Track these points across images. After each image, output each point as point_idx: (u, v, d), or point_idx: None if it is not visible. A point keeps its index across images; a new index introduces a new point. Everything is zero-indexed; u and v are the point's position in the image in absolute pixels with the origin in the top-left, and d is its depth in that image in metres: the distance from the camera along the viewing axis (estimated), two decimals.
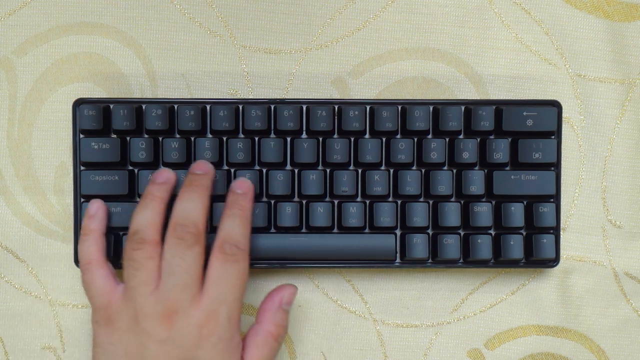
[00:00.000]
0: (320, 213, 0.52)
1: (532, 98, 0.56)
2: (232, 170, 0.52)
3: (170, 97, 0.55)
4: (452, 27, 0.57)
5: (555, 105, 0.53)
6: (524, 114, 0.52)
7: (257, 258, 0.52)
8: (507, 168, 0.52)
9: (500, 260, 0.52)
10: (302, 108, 0.52)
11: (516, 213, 0.52)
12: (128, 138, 0.52)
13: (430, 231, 0.52)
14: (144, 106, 0.52)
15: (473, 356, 0.54)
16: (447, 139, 0.52)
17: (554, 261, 0.53)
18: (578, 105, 0.56)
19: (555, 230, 0.53)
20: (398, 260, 0.52)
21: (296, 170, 0.52)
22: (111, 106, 0.52)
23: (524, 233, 0.52)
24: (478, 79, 0.56)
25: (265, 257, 0.52)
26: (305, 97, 0.55)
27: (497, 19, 0.57)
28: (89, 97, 0.54)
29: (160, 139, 0.52)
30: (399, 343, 0.54)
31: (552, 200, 0.52)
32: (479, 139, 0.52)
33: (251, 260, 0.51)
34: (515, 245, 0.52)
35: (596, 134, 0.56)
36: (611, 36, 0.56)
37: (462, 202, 0.52)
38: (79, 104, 0.52)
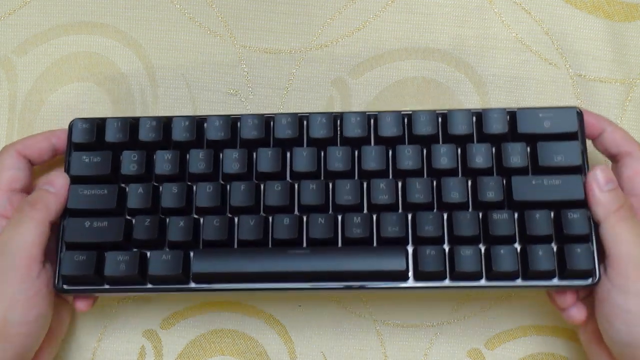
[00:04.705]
0: (322, 224, 0.47)
1: (533, 98, 0.56)
2: (227, 185, 0.49)
3: (166, 114, 0.53)
4: (452, 27, 0.57)
5: (575, 109, 0.48)
6: (540, 115, 0.48)
7: (253, 279, 0.47)
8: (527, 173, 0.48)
9: (529, 274, 0.46)
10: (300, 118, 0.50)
11: (542, 221, 0.46)
12: (121, 152, 0.49)
13: (446, 246, 0.47)
14: (140, 119, 0.50)
15: (473, 356, 0.54)
16: (459, 147, 0.48)
17: (592, 275, 0.45)
18: (578, 105, 0.56)
19: (590, 238, 0.46)
20: (411, 280, 0.47)
21: (295, 184, 0.49)
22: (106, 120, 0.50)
23: (554, 242, 0.47)
24: (478, 79, 0.56)
25: (261, 277, 0.47)
26: (303, 111, 0.52)
27: (497, 19, 0.57)
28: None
29: (154, 155, 0.49)
30: (399, 343, 0.54)
31: (580, 206, 0.46)
32: (493, 144, 0.48)
33: (248, 280, 0.47)
34: (544, 257, 0.45)
35: None
36: (611, 36, 0.56)
37: (480, 212, 0.47)
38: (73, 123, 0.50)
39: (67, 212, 0.48)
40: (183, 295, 0.54)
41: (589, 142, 0.50)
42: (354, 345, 0.54)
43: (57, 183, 0.48)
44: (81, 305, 0.49)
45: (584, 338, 0.49)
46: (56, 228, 0.48)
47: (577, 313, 0.47)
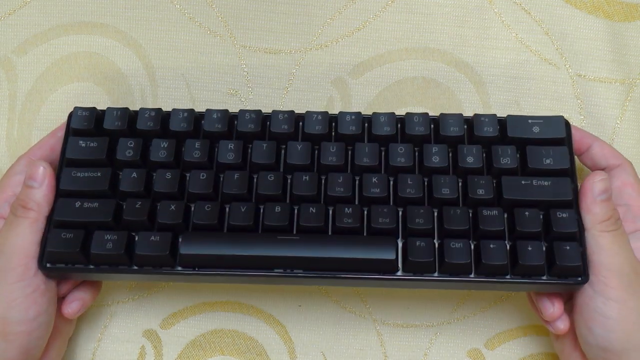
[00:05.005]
0: (313, 213, 0.47)
1: (533, 98, 0.56)
2: (221, 175, 0.49)
3: (167, 109, 0.52)
4: (452, 27, 0.57)
5: (563, 119, 0.49)
6: (529, 121, 0.49)
7: (241, 263, 0.46)
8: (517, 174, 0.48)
9: (518, 269, 0.46)
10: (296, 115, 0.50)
11: (531, 218, 0.46)
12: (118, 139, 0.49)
13: (436, 240, 0.47)
14: (139, 110, 0.50)
15: (473, 356, 0.54)
16: (450, 148, 0.49)
17: (581, 274, 0.45)
18: (578, 105, 0.56)
19: (578, 237, 0.46)
20: (400, 272, 0.46)
21: (289, 177, 0.49)
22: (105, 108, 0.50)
23: (543, 241, 0.47)
24: (478, 79, 0.56)
25: (249, 261, 0.46)
26: (303, 111, 0.53)
27: (497, 19, 0.57)
28: (86, 105, 0.52)
29: (150, 144, 0.49)
30: (399, 343, 0.54)
31: (569, 206, 0.47)
32: (484, 147, 0.49)
33: (239, 267, 0.46)
34: (533, 252, 0.45)
35: (596, 134, 0.56)
36: (611, 36, 0.56)
37: (470, 209, 0.48)
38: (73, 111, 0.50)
39: (59, 194, 0.48)
40: (182, 294, 0.54)
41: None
42: (354, 345, 0.54)
43: (37, 175, 0.47)
44: (68, 309, 0.48)
45: (558, 342, 0.50)
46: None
47: (562, 323, 0.47)
